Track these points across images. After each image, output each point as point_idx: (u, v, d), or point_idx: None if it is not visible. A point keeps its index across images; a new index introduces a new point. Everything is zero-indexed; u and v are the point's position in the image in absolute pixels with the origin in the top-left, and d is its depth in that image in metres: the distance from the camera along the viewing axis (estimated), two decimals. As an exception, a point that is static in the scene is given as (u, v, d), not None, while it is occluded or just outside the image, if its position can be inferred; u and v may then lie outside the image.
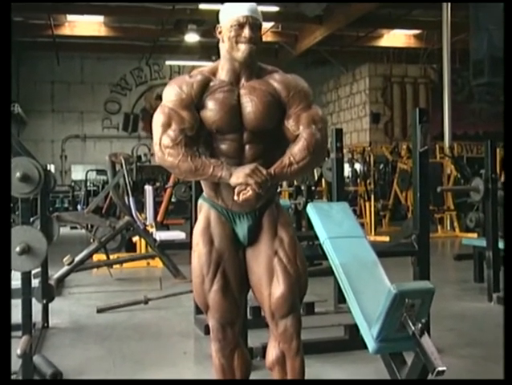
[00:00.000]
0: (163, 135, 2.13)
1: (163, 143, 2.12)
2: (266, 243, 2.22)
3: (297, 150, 2.14)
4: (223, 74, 2.21)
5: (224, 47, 2.20)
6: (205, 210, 2.28)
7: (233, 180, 2.08)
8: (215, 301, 2.19)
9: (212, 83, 2.19)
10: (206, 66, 2.29)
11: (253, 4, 2.21)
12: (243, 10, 2.15)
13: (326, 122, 2.25)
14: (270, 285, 2.20)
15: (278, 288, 2.18)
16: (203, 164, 2.09)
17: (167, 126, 2.13)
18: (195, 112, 2.16)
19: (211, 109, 2.15)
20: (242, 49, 2.15)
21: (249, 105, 2.16)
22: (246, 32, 2.14)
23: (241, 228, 2.25)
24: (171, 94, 2.18)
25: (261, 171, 2.07)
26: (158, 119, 2.17)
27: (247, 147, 2.19)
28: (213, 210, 2.25)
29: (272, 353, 2.25)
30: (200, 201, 2.32)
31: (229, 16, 2.17)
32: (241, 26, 2.14)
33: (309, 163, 2.16)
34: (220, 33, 2.21)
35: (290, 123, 2.19)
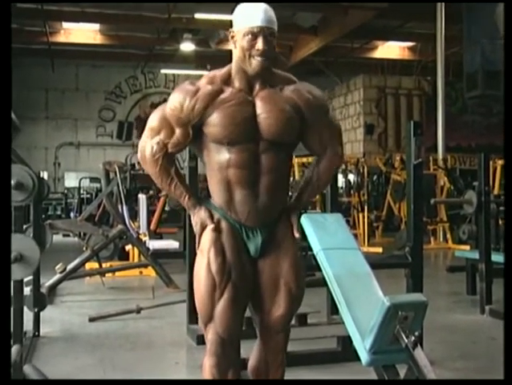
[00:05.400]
0: (148, 140, 2.14)
1: (147, 151, 2.14)
2: (275, 259, 2.17)
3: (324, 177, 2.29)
4: (236, 82, 2.10)
5: (236, 54, 2.09)
6: (215, 219, 2.16)
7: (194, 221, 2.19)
8: (222, 312, 2.09)
9: (222, 96, 2.07)
10: (223, 69, 2.15)
11: (269, 10, 2.07)
12: (257, 19, 2.03)
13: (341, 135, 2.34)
14: (271, 302, 2.16)
15: (280, 308, 2.16)
16: (174, 185, 2.16)
17: (156, 133, 2.13)
18: (188, 130, 2.10)
19: (219, 124, 2.04)
20: (254, 64, 2.04)
21: (268, 116, 2.07)
22: (260, 45, 2.02)
23: (254, 243, 2.16)
24: (174, 101, 2.10)
25: None
26: (152, 119, 2.15)
27: (263, 156, 2.09)
28: (225, 221, 2.15)
29: (256, 360, 2.25)
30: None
31: (243, 24, 2.04)
32: (254, 36, 2.02)
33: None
34: (232, 37, 2.08)
35: (314, 141, 2.22)
